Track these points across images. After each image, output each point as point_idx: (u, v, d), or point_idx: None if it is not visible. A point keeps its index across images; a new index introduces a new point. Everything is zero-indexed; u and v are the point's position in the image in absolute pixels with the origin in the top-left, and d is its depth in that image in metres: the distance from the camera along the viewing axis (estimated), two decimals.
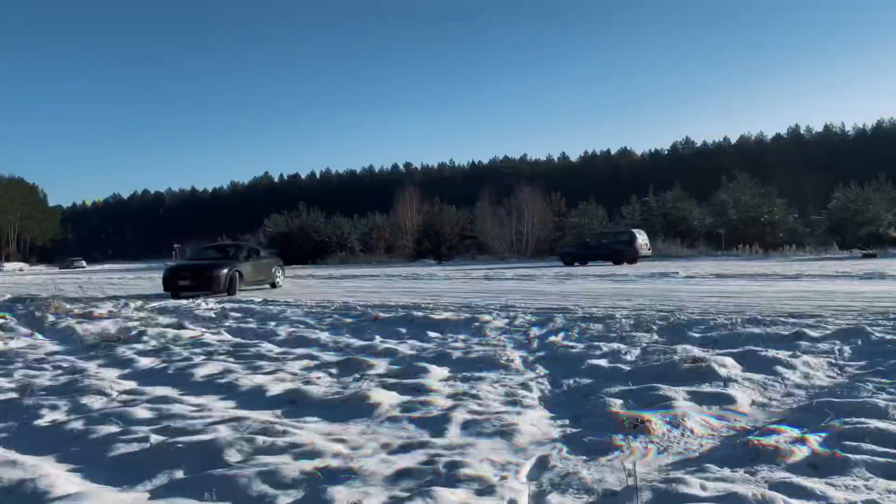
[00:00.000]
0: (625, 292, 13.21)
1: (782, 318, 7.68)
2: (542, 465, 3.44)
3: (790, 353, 5.67)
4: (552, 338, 7.20)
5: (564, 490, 3.09)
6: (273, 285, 18.62)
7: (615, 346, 6.43)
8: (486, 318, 8.73)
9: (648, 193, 51.98)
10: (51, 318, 10.78)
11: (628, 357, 5.93)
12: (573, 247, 34.30)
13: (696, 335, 6.92)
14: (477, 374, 5.57)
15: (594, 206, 54.68)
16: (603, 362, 5.73)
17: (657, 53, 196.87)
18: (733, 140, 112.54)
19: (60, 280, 25.24)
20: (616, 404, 4.41)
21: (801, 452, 3.35)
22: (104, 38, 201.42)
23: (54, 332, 9.59)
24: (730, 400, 4.45)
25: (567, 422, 4.26)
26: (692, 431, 3.89)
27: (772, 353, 5.61)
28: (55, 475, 3.46)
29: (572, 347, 6.48)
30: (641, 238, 31.17)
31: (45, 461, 3.80)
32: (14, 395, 5.57)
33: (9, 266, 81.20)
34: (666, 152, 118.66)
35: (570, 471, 3.31)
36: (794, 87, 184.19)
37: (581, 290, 14.41)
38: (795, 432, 3.64)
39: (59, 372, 6.56)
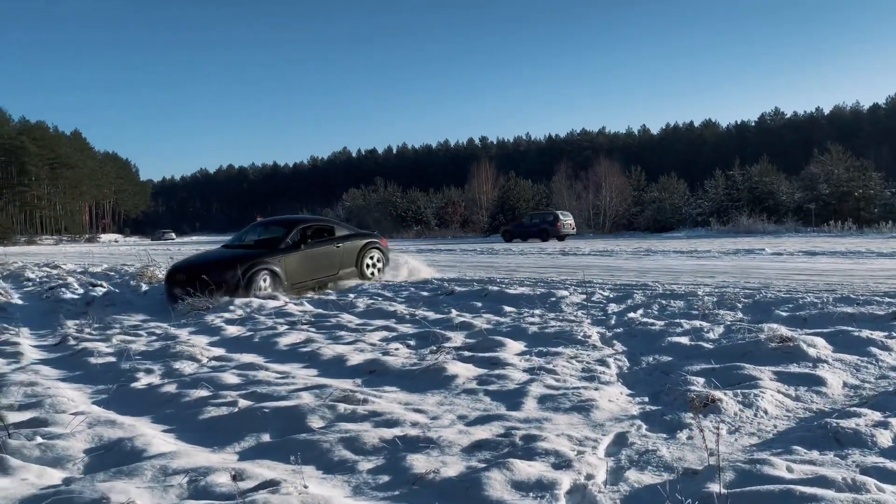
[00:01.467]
0: (707, 269, 12.82)
1: (877, 298, 7.29)
2: (620, 441, 3.41)
3: (886, 333, 5.38)
4: (631, 314, 7.08)
5: (643, 467, 3.06)
6: (363, 277, 11.55)
7: (697, 323, 6.26)
8: (563, 293, 8.66)
9: (733, 167, 49.90)
10: (144, 286, 11.37)
11: (711, 335, 5.77)
12: (512, 226, 39.51)
13: (784, 314, 6.66)
14: (553, 350, 5.55)
15: (675, 181, 53.04)
16: (684, 340, 5.59)
17: (744, 23, 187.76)
18: (826, 111, 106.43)
19: (153, 251, 26.52)
20: (698, 383, 4.30)
21: (884, 437, 3.21)
22: (191, 28, 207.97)
23: (148, 299, 10.11)
24: (820, 381, 4.27)
25: (646, 399, 4.19)
26: (774, 412, 3.76)
27: (866, 333, 5.34)
28: (151, 435, 3.67)
29: (652, 324, 6.35)
30: (564, 218, 36.19)
31: (141, 422, 4.04)
32: (112, 359, 5.93)
33: (105, 237, 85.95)
34: (753, 124, 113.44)
35: (650, 448, 3.27)
36: (894, 54, 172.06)
37: (661, 266, 14.08)
38: (878, 416, 3.48)
39: (153, 338, 6.93)
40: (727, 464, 2.93)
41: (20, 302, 11.07)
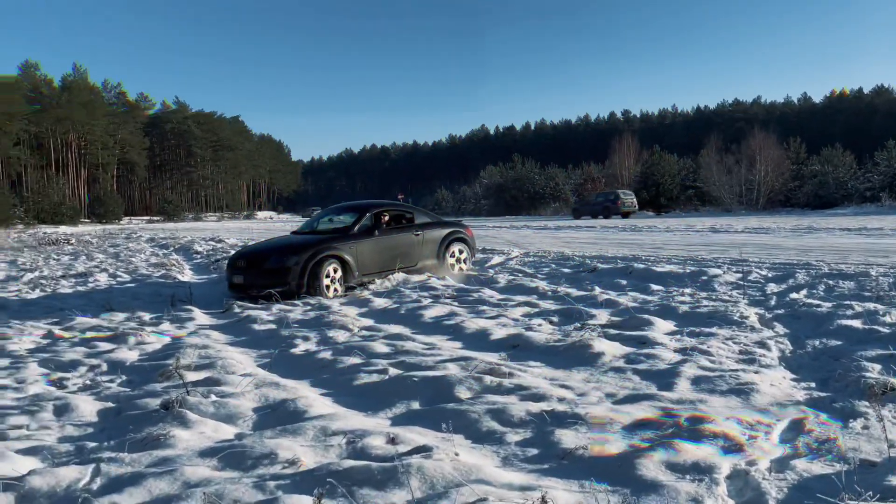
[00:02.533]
0: (879, 248, 11.68)
1: None
2: (793, 428, 3.19)
3: None
4: (793, 294, 6.60)
5: (816, 456, 2.85)
6: (445, 270, 9.98)
7: (870, 305, 5.72)
8: (715, 271, 8.22)
9: None
10: None
11: (887, 319, 5.25)
12: (579, 204, 42.72)
13: None
14: (706, 330, 5.29)
15: (840, 153, 48.64)
16: (855, 323, 5.14)
17: None
18: None
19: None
20: (873, 369, 3.94)
21: None
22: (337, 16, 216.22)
23: None
24: None
25: (813, 384, 3.90)
26: None
27: None
28: (311, 397, 3.90)
29: (817, 306, 5.88)
30: (625, 197, 38.44)
31: (301, 384, 4.29)
32: (273, 326, 6.35)
33: (260, 214, 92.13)
34: None
35: (822, 436, 3.03)
36: None
37: (825, 244, 12.99)
38: None
39: (308, 307, 7.34)
40: None
41: (191, 273, 12.10)
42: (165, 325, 6.62)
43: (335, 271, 8.68)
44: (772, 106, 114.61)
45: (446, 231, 10.35)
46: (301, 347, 5.38)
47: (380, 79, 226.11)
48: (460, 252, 10.38)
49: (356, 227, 9.35)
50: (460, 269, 10.24)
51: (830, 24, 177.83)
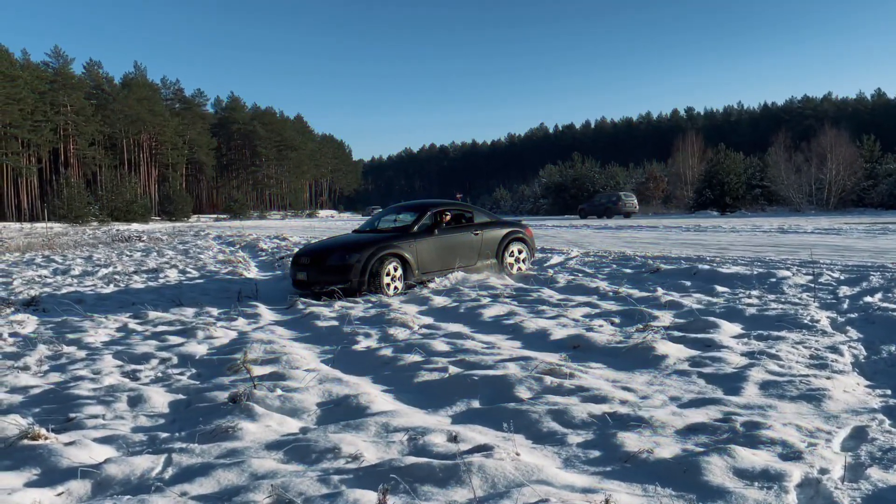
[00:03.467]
0: None
1: None
2: (859, 435, 3.07)
3: None
4: (867, 298, 6.33)
5: (888, 466, 2.74)
6: (504, 270, 9.98)
7: None
8: (784, 273, 7.96)
9: None
10: None
11: None
12: (586, 204, 43.35)
13: None
14: (775, 333, 5.13)
15: None
16: None
17: None
18: None
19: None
20: None
21: None
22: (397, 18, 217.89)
23: None
24: None
25: (889, 392, 3.74)
26: None
27: None
28: (373, 393, 3.95)
29: (894, 310, 5.63)
30: (626, 198, 40.55)
31: (363, 381, 4.36)
32: (335, 322, 6.46)
33: (322, 213, 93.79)
34: None
35: (895, 446, 2.91)
36: None
37: None
38: None
39: (369, 305, 7.44)
40: None
41: (256, 270, 12.42)
42: (232, 321, 6.82)
43: (395, 269, 8.81)
44: (843, 102, 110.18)
45: (505, 231, 10.32)
46: (363, 344, 5.46)
47: (439, 77, 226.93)
48: (519, 252, 10.38)
49: (416, 227, 9.45)
50: (519, 268, 10.22)
51: None
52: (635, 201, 41.86)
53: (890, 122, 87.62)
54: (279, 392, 3.95)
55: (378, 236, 9.40)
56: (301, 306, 7.51)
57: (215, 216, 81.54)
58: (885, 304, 5.96)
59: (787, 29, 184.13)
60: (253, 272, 11.91)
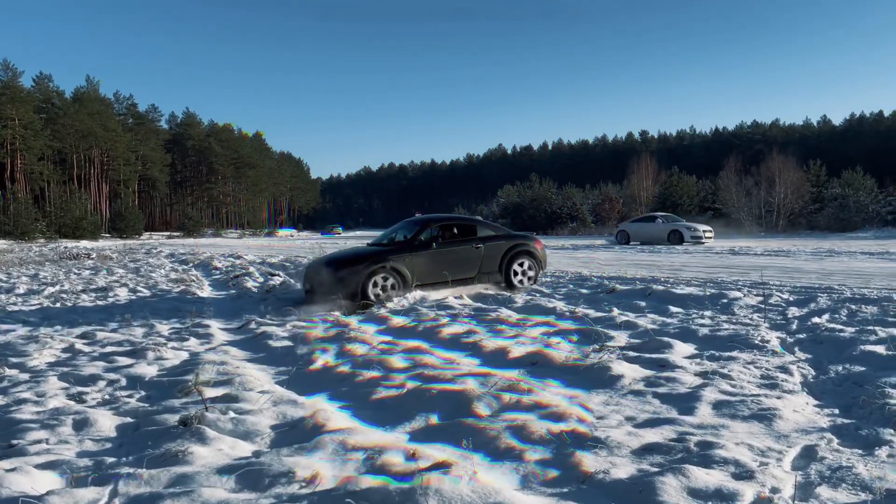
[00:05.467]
0: None
1: None
2: (809, 454, 3.14)
3: None
4: (815, 319, 6.51)
5: (836, 485, 2.79)
6: (507, 284, 10.26)
7: (894, 331, 5.61)
8: (736, 294, 8.14)
9: None
10: None
11: None
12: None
13: None
14: (727, 354, 5.22)
15: (860, 176, 48.23)
16: (879, 349, 5.05)
17: None
18: None
19: (323, 244, 28.19)
20: None
21: None
22: (351, 27, 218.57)
23: None
24: None
25: (836, 411, 3.83)
26: None
27: None
28: (329, 412, 3.89)
29: (840, 331, 5.79)
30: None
31: (319, 401, 4.29)
32: (290, 343, 6.36)
33: (281, 232, 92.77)
34: None
35: (844, 464, 2.98)
36: None
37: (846, 268, 12.83)
38: None
39: (327, 325, 7.34)
40: None
41: (210, 289, 12.18)
42: (184, 341, 6.66)
43: (384, 280, 9.19)
44: (791, 128, 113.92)
45: (510, 244, 10.49)
46: (319, 364, 5.38)
47: (397, 96, 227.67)
48: (528, 266, 10.56)
49: (416, 240, 9.92)
50: (520, 280, 10.40)
51: (850, 47, 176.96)
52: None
53: (835, 147, 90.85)
54: (232, 414, 3.86)
55: (379, 249, 9.89)
56: (254, 326, 7.38)
57: (168, 234, 79.93)
58: (831, 325, 6.13)
59: (737, 54, 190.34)
60: (207, 291, 11.67)
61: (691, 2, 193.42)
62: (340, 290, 8.88)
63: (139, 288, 11.66)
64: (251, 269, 15.01)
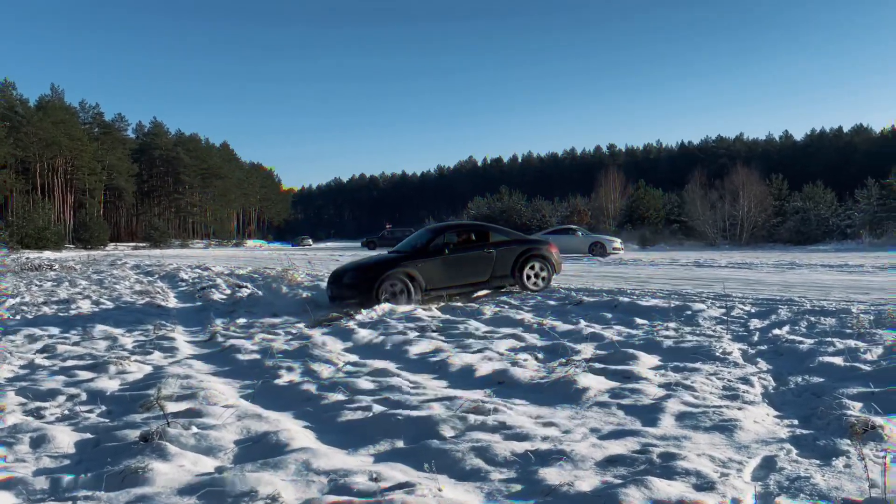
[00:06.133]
0: (860, 285, 11.81)
1: None
2: (768, 465, 3.19)
3: None
4: (776, 331, 6.65)
5: (795, 495, 2.85)
6: (521, 286, 10.92)
7: (852, 343, 5.77)
8: (699, 306, 8.27)
9: (889, 175, 45.76)
10: (284, 289, 12.00)
11: (868, 356, 5.30)
12: (376, 237, 48.04)
13: None
14: (690, 365, 5.30)
15: (821, 190, 49.45)
16: (837, 360, 5.18)
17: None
18: None
19: (292, 255, 27.99)
20: (855, 407, 3.96)
21: None
22: (323, 32, 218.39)
23: (287, 301, 10.65)
24: None
25: (796, 422, 3.91)
26: None
27: None
28: (294, 430, 3.85)
29: (800, 342, 5.92)
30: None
31: (284, 417, 4.25)
32: (257, 356, 6.29)
33: (250, 243, 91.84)
34: None
35: (802, 474, 3.04)
36: None
37: (807, 280, 13.12)
38: None
39: (291, 338, 7.29)
40: (894, 496, 2.67)
41: (175, 301, 12.00)
42: (148, 354, 6.55)
43: (394, 286, 9.88)
44: (754, 143, 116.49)
45: (522, 248, 11.07)
46: (285, 379, 5.33)
47: (368, 109, 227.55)
48: (540, 268, 11.09)
49: (430, 246, 10.63)
50: (533, 283, 11.01)
51: (810, 64, 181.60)
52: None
53: (797, 162, 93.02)
54: (195, 429, 3.80)
55: (392, 257, 10.75)
56: (221, 339, 7.29)
57: (134, 245, 78.48)
58: (791, 337, 6.26)
59: (702, 69, 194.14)
60: (172, 303, 11.50)
61: (657, 17, 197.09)
62: (357, 295, 9.76)
63: (103, 300, 11.44)
64: (218, 280, 14.83)
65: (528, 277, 10.94)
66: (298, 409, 4.47)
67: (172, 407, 4.33)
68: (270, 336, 7.40)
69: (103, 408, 4.60)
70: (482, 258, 10.68)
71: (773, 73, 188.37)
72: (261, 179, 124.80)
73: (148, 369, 5.84)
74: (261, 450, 3.53)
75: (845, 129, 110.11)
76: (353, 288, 9.92)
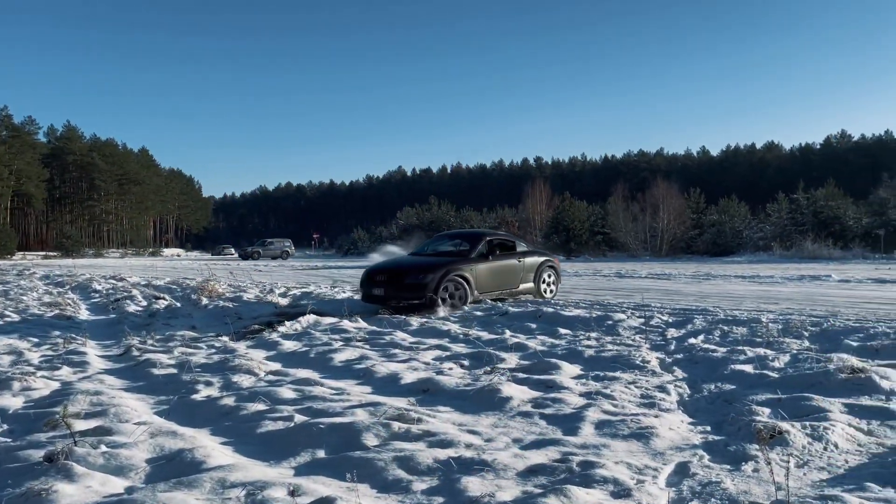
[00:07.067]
0: (770, 295, 12.42)
1: None
2: (682, 471, 3.30)
3: None
4: (691, 340, 6.89)
5: (706, 499, 2.95)
6: (538, 294, 11.66)
7: (761, 351, 6.04)
8: (620, 316, 8.50)
9: (797, 190, 48.45)
10: (205, 300, 11.66)
11: (776, 364, 5.56)
12: (249, 249, 55.79)
13: (854, 343, 6.38)
14: (610, 374, 5.43)
15: (735, 204, 51.81)
16: (748, 368, 5.41)
17: (809, 43, 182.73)
18: None
19: (213, 265, 27.24)
20: (763, 413, 4.14)
21: None
22: (243, 43, 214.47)
23: (207, 313, 10.35)
24: (894, 415, 4.06)
25: (709, 428, 4.06)
26: (845, 446, 3.59)
27: None
28: (210, 446, 3.72)
29: (713, 351, 6.16)
30: (279, 242, 55.06)
31: (200, 433, 4.10)
32: (174, 370, 6.07)
33: (168, 252, 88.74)
34: (818, 147, 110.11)
35: (713, 480, 3.15)
36: None
37: (721, 291, 13.70)
38: None
39: (213, 351, 7.07)
40: (796, 499, 2.80)
41: (88, 313, 11.47)
42: (56, 370, 6.22)
43: (457, 288, 10.13)
44: (674, 157, 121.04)
45: (542, 259, 11.91)
46: (203, 393, 5.16)
47: (296, 118, 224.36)
48: (550, 277, 11.95)
49: (474, 252, 10.85)
50: (550, 291, 11.89)
51: (726, 81, 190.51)
52: (289, 247, 55.54)
53: (713, 177, 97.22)
54: (104, 448, 3.62)
55: (445, 259, 10.73)
56: (135, 352, 7.00)
57: (45, 254, 74.64)
58: (706, 346, 6.51)
59: (623, 86, 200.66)
60: (84, 315, 10.99)
61: (582, 31, 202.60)
62: (419, 296, 9.81)
63: (7, 312, 10.81)
64: (134, 291, 14.26)
65: (545, 284, 11.74)
66: (217, 424, 4.33)
67: (81, 425, 4.11)
68: (190, 349, 7.16)
69: (4, 427, 4.33)
70: (515, 267, 11.31)
71: (692, 90, 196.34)
72: (181, 186, 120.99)
73: (55, 385, 5.53)
74: (174, 468, 3.40)
75: (758, 146, 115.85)
76: (416, 288, 9.84)
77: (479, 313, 9.66)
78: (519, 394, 4.77)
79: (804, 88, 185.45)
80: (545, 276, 11.76)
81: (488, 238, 11.36)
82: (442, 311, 9.61)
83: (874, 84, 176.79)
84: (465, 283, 10.20)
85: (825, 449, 3.55)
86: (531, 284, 11.50)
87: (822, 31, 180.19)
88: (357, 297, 11.53)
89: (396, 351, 6.78)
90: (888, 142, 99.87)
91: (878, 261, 33.87)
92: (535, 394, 4.84)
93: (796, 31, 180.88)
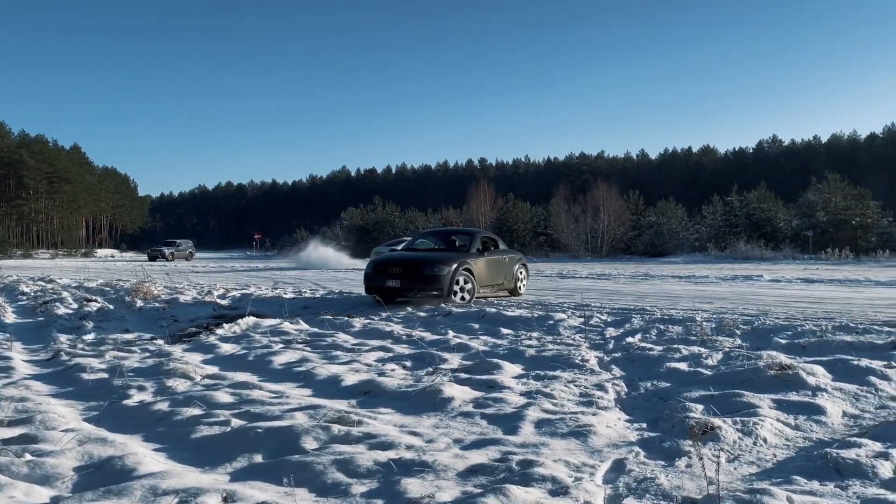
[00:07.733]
0: (705, 295, 12.80)
1: (876, 327, 7.26)
2: (618, 468, 3.36)
3: (885, 363, 5.34)
4: (629, 339, 7.04)
5: (641, 495, 3.01)
6: (513, 292, 12.27)
7: (695, 349, 6.22)
8: (560, 316, 8.62)
9: (731, 193, 50.15)
10: (139, 302, 11.31)
11: (709, 361, 5.73)
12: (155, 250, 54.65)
13: (783, 341, 6.63)
14: (551, 373, 5.50)
15: (673, 206, 53.26)
16: (682, 366, 5.56)
17: (742, 49, 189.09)
18: (824, 139, 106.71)
19: (149, 267, 26.45)
20: (697, 409, 4.26)
21: (884, 468, 3.17)
22: (186, 42, 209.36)
23: (142, 316, 10.04)
24: (819, 410, 4.23)
25: (644, 425, 4.15)
26: (774, 440, 3.72)
27: (865, 362, 5.31)
28: (141, 453, 3.61)
29: (650, 349, 6.31)
30: (184, 243, 54.75)
31: (132, 440, 3.98)
32: (105, 375, 5.86)
33: (101, 252, 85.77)
34: (751, 151, 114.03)
35: (648, 476, 3.22)
36: (891, 84, 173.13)
37: (659, 290, 14.05)
38: (878, 446, 3.44)
39: (147, 355, 6.86)
40: (727, 493, 2.88)
41: (14, 316, 10.98)
42: None
43: (466, 282, 10.61)
44: (614, 160, 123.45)
45: (518, 257, 12.69)
46: (135, 398, 4.99)
47: (236, 117, 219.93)
48: (522, 275, 12.63)
49: (472, 248, 11.40)
50: (524, 287, 12.69)
51: (666, 84, 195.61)
52: (191, 250, 55.18)
53: (651, 180, 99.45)
54: (28, 457, 3.47)
55: (453, 254, 11.11)
56: (64, 357, 6.74)
57: None
58: (643, 344, 6.66)
59: (568, 86, 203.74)
60: (10, 318, 10.50)
61: (525, 35, 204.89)
62: (436, 287, 10.21)
63: None
64: (64, 293, 13.70)
65: (519, 283, 12.34)
66: (149, 430, 4.21)
67: (4, 433, 3.94)
68: (122, 353, 6.93)
69: None
70: (503, 263, 11.88)
71: (631, 94, 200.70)
72: (115, 184, 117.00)
73: None
74: (104, 476, 3.28)
75: (694, 150, 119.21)
76: (433, 280, 10.20)
77: (422, 314, 9.65)
78: (461, 394, 4.78)
79: (738, 94, 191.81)
80: (519, 273, 12.33)
81: (481, 236, 11.99)
82: (456, 301, 10.19)
83: (804, 91, 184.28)
84: (472, 277, 10.67)
85: (755, 444, 3.67)
86: (511, 280, 11.99)
87: (754, 39, 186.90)
88: (297, 297, 11.42)
89: (338, 353, 6.72)
90: (816, 147, 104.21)
91: (807, 261, 35.31)
92: (477, 394, 4.86)
93: (729, 37, 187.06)
